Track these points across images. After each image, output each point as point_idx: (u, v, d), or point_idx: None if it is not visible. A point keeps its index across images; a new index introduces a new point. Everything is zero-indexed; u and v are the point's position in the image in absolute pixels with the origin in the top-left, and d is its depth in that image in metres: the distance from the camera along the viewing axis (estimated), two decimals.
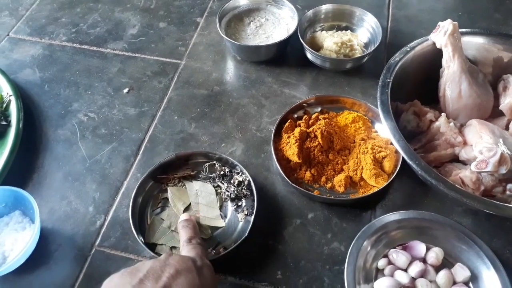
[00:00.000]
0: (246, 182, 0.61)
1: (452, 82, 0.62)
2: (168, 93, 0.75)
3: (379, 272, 0.54)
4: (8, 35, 0.85)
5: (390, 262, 0.54)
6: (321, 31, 0.79)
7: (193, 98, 0.74)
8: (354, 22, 0.80)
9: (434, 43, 0.64)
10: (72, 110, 0.72)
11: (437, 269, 0.53)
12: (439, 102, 0.65)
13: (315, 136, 0.64)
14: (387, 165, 0.61)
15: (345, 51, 0.73)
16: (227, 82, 0.76)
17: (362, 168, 0.62)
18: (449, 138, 0.58)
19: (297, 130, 0.64)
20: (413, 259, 0.54)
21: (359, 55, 0.73)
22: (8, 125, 0.68)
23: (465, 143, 0.58)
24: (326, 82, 0.75)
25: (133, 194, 0.58)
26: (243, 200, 0.60)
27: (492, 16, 0.87)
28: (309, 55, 0.74)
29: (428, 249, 0.55)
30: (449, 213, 0.59)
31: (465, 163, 0.58)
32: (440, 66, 0.64)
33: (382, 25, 0.82)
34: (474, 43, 0.66)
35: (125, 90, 0.75)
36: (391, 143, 0.63)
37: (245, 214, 0.59)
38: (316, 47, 0.76)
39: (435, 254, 0.54)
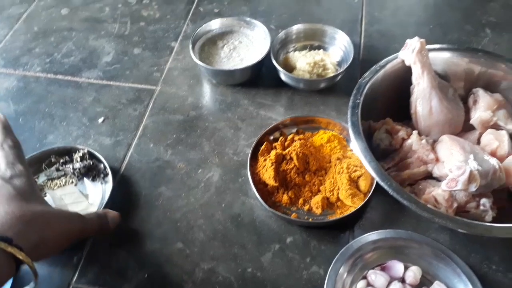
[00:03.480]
0: (86, 154, 0.67)
1: (423, 99, 0.62)
2: (143, 120, 0.74)
3: None
4: None
5: (369, 284, 0.54)
6: (294, 51, 0.79)
7: (169, 124, 0.74)
8: (326, 41, 0.80)
9: (403, 61, 0.65)
10: (47, 143, 0.72)
11: None
12: (412, 119, 0.65)
13: (291, 158, 0.64)
14: (363, 184, 0.62)
15: (318, 71, 0.73)
16: (203, 106, 0.76)
17: (339, 189, 0.62)
18: (422, 156, 0.58)
19: (273, 152, 0.65)
20: (392, 279, 0.54)
21: (332, 74, 0.73)
22: None
23: (437, 160, 0.58)
24: (301, 102, 0.76)
25: None
26: (94, 169, 0.66)
27: (463, 28, 0.88)
28: (283, 77, 0.75)
29: (406, 268, 0.55)
30: (426, 229, 0.59)
31: (438, 179, 0.58)
32: (411, 83, 0.65)
33: (355, 42, 0.83)
34: (443, 58, 0.67)
35: (100, 120, 0.75)
36: None
37: (102, 177, 0.65)
38: (290, 67, 0.76)
39: (413, 273, 0.54)
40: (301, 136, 0.68)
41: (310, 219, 0.61)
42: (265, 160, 0.65)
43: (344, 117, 0.71)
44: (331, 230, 0.60)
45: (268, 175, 0.62)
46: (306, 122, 0.71)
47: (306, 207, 0.62)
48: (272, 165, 0.63)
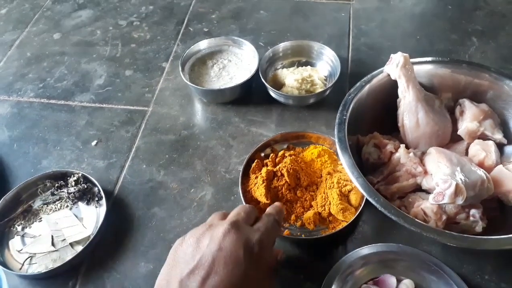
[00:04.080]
0: (80, 178, 0.68)
1: (409, 112, 0.63)
2: (136, 141, 0.75)
3: None
4: None
5: None
6: (282, 68, 0.81)
7: (161, 145, 0.74)
8: (313, 57, 0.82)
9: (389, 75, 0.66)
10: (41, 168, 0.72)
11: None
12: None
13: (282, 175, 0.65)
14: (353, 198, 0.62)
15: (306, 87, 0.74)
16: (195, 125, 0.77)
17: (330, 203, 0.62)
18: (410, 169, 0.59)
19: (264, 170, 0.65)
20: None
21: (320, 90, 0.74)
22: None
23: (426, 172, 0.58)
24: (292, 118, 0.76)
25: None
26: (89, 193, 0.67)
27: (449, 37, 0.89)
28: (272, 94, 0.76)
29: (399, 281, 0.55)
30: (418, 242, 0.60)
31: (428, 192, 0.59)
32: (397, 96, 0.66)
33: (343, 56, 0.84)
34: (428, 70, 0.68)
35: (94, 143, 0.75)
36: None
37: (96, 201, 0.66)
38: (279, 84, 0.78)
39: (405, 287, 0.54)
40: (292, 152, 0.68)
41: (303, 235, 0.61)
42: (256, 177, 0.65)
43: (333, 131, 0.72)
44: (325, 245, 0.61)
45: (259, 192, 0.63)
46: (297, 137, 0.71)
47: (299, 223, 0.62)
48: (263, 183, 0.63)
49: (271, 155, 0.68)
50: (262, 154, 0.70)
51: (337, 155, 0.69)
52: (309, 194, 0.64)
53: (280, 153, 0.68)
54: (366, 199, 0.60)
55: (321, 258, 0.60)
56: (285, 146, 0.71)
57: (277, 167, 0.65)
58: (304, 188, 0.65)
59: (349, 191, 0.63)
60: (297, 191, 0.65)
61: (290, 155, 0.67)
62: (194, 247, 0.45)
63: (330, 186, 0.63)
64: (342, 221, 0.61)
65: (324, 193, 0.63)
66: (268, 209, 0.53)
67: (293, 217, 0.63)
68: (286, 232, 0.61)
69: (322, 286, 0.54)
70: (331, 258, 0.59)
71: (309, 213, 0.62)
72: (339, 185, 0.63)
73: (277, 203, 0.56)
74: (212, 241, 0.45)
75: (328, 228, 0.61)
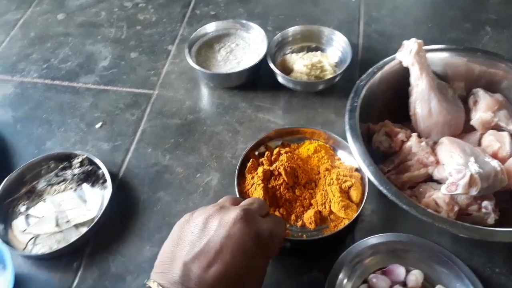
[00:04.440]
0: (85, 159, 0.67)
1: (422, 100, 0.62)
2: (141, 125, 0.74)
3: None
4: None
5: None
6: (291, 53, 0.79)
7: (167, 129, 0.73)
8: (323, 42, 0.80)
9: (401, 62, 0.65)
10: (45, 149, 0.71)
11: None
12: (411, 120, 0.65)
13: (279, 174, 0.61)
14: (354, 194, 0.59)
15: (316, 73, 0.73)
16: (201, 109, 0.76)
17: (330, 201, 0.59)
18: (422, 158, 0.58)
19: (260, 169, 0.62)
20: (393, 283, 0.53)
21: (330, 76, 0.73)
22: None
23: (437, 162, 0.57)
24: (300, 104, 0.75)
25: None
26: (93, 175, 0.66)
27: (462, 26, 0.87)
28: (280, 79, 0.74)
29: (407, 272, 0.54)
30: (428, 232, 0.59)
31: (439, 182, 0.58)
32: (409, 84, 0.64)
33: (353, 42, 0.82)
34: (442, 58, 0.67)
35: (98, 125, 0.74)
36: (356, 170, 0.62)
37: (101, 183, 0.65)
38: (288, 70, 0.76)
39: (414, 277, 0.53)
40: (287, 149, 0.65)
41: (304, 236, 0.58)
42: (252, 177, 0.62)
43: (342, 119, 0.71)
44: (327, 244, 0.58)
45: (257, 194, 0.60)
46: (291, 133, 0.68)
47: (299, 223, 0.60)
48: (260, 184, 0.60)
49: (266, 153, 0.65)
50: (256, 153, 0.66)
51: (334, 149, 0.66)
52: (308, 192, 0.62)
53: (276, 151, 0.65)
54: (367, 194, 0.58)
55: (327, 249, 0.59)
56: (279, 143, 0.68)
57: (274, 165, 0.62)
58: (303, 186, 0.62)
59: (349, 187, 0.60)
60: (296, 190, 0.62)
61: (286, 152, 0.64)
62: (201, 228, 0.44)
63: (330, 183, 0.61)
64: (344, 218, 0.58)
65: (323, 190, 0.61)
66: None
67: (293, 217, 0.60)
68: (286, 233, 0.58)
69: (329, 274, 0.53)
70: (338, 249, 0.58)
71: (310, 212, 0.59)
72: (339, 181, 0.60)
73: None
74: (221, 226, 0.44)
75: (330, 227, 0.59)
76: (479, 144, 0.61)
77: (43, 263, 0.60)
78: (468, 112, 0.65)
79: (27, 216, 0.64)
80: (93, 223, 0.61)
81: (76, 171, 0.66)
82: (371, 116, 0.63)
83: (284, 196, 0.61)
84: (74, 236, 0.61)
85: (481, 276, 0.53)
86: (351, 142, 0.56)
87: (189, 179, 0.67)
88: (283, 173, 0.61)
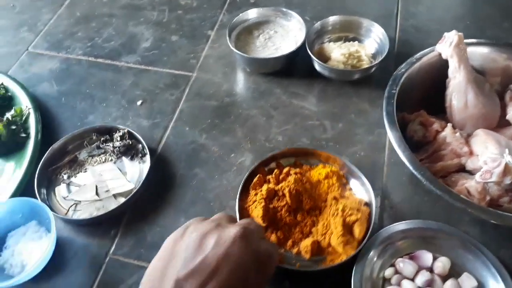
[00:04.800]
0: (126, 133, 0.70)
1: (458, 92, 0.63)
2: (180, 105, 0.77)
3: (386, 281, 0.54)
4: (27, 49, 0.89)
5: (397, 272, 0.55)
6: (329, 42, 0.80)
7: (204, 110, 0.76)
8: (361, 33, 0.81)
9: (440, 54, 0.65)
10: (88, 122, 0.75)
11: (444, 278, 0.54)
12: (446, 112, 0.65)
13: (283, 195, 0.59)
14: (357, 230, 0.56)
15: (353, 62, 0.74)
16: (237, 93, 0.78)
17: (332, 233, 0.57)
18: (455, 148, 0.59)
19: (264, 187, 0.60)
20: (420, 268, 0.54)
21: (366, 66, 0.74)
22: (27, 137, 0.70)
23: (471, 153, 0.58)
24: (334, 93, 0.76)
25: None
26: (133, 149, 0.69)
27: (500, 25, 0.87)
28: (317, 66, 0.76)
29: (434, 258, 0.55)
30: (456, 222, 0.59)
31: (471, 173, 0.58)
32: (446, 76, 0.65)
33: (390, 36, 0.83)
34: (480, 53, 0.67)
35: (139, 103, 0.77)
36: (366, 204, 0.60)
37: (140, 157, 0.68)
38: (324, 58, 0.77)
39: (441, 264, 0.54)
40: (298, 169, 0.63)
41: (298, 264, 0.56)
42: (256, 194, 0.60)
43: (377, 109, 0.73)
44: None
45: (256, 213, 0.58)
46: (305, 154, 0.66)
47: (295, 250, 0.57)
48: (262, 202, 0.58)
49: (275, 171, 0.63)
50: (266, 169, 0.65)
51: (347, 178, 0.63)
52: (310, 219, 0.59)
53: (285, 170, 0.63)
54: (371, 230, 0.56)
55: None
56: (292, 161, 0.66)
57: (280, 185, 0.60)
58: (306, 212, 0.60)
59: (354, 222, 0.57)
60: (298, 214, 0.59)
61: (295, 173, 0.62)
62: (197, 244, 0.41)
63: (334, 214, 0.58)
64: (342, 254, 0.55)
65: (326, 220, 0.58)
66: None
67: (290, 242, 0.58)
68: (280, 258, 0.56)
69: (358, 256, 0.54)
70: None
71: (307, 241, 0.57)
72: (344, 214, 0.57)
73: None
74: (219, 244, 0.41)
75: (326, 259, 0.56)
76: None
77: (82, 228, 0.63)
78: (504, 108, 0.65)
79: (69, 184, 0.67)
80: (131, 194, 0.64)
81: (117, 144, 0.70)
82: (407, 105, 0.64)
83: (284, 219, 0.59)
84: (113, 205, 0.64)
85: (508, 268, 0.54)
86: (388, 129, 0.57)
87: (224, 158, 0.69)
88: (287, 195, 0.59)
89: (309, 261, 0.56)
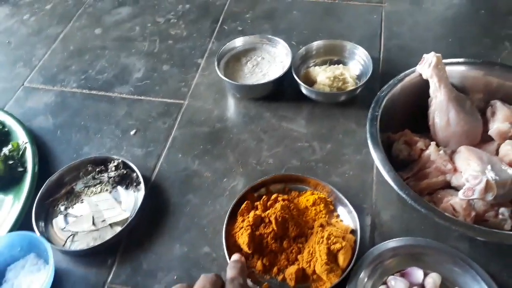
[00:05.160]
0: (120, 163, 0.71)
1: (440, 111, 0.65)
2: (172, 132, 0.79)
3: None
4: (23, 84, 0.91)
5: None
6: (314, 66, 0.83)
7: (196, 136, 0.78)
8: (345, 56, 0.84)
9: (421, 74, 0.68)
10: (83, 154, 0.77)
11: None
12: (430, 131, 0.67)
13: (270, 221, 0.60)
14: (342, 258, 0.57)
15: (338, 85, 0.77)
16: (228, 118, 0.80)
17: (316, 260, 0.57)
18: (440, 166, 0.60)
19: (251, 214, 0.61)
20: (411, 285, 0.55)
21: (351, 88, 0.76)
22: (25, 171, 0.72)
23: (455, 170, 0.60)
24: (322, 115, 0.79)
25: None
26: (128, 178, 0.71)
27: (481, 41, 0.90)
28: (304, 90, 0.78)
29: (425, 275, 0.56)
30: (445, 238, 0.61)
31: (457, 189, 0.60)
32: (429, 95, 0.67)
33: (375, 56, 0.86)
34: (460, 71, 0.69)
35: (132, 132, 0.79)
36: (351, 232, 0.61)
37: (134, 186, 0.69)
38: (311, 81, 0.80)
39: (432, 280, 0.55)
40: (285, 196, 0.65)
41: None
42: (243, 220, 0.62)
43: (364, 128, 0.74)
44: None
45: (242, 240, 0.59)
46: (295, 180, 0.68)
47: (280, 277, 0.58)
48: (248, 229, 0.59)
49: (264, 197, 0.64)
50: (256, 194, 0.66)
51: (334, 205, 0.65)
52: (297, 246, 0.60)
53: (273, 197, 0.64)
54: (355, 259, 0.57)
55: None
56: (281, 187, 0.67)
57: (266, 212, 0.61)
58: (292, 239, 0.60)
59: (339, 250, 0.57)
60: (284, 241, 0.60)
61: (283, 200, 0.63)
62: None
63: (320, 241, 0.58)
64: (326, 282, 0.56)
65: (312, 248, 0.59)
66: (230, 272, 0.46)
67: (275, 269, 0.59)
68: (265, 285, 0.57)
69: (350, 276, 0.55)
70: None
71: (292, 268, 0.58)
72: (329, 242, 0.57)
73: (235, 258, 0.49)
74: None
75: (311, 287, 0.57)
76: (497, 153, 0.63)
77: (80, 259, 0.64)
78: (486, 123, 0.67)
79: (66, 215, 0.69)
80: (127, 222, 0.65)
81: (112, 174, 0.71)
82: (391, 125, 0.66)
83: (270, 246, 0.59)
84: (109, 234, 0.65)
85: (497, 282, 0.55)
86: (372, 150, 0.59)
87: (216, 183, 0.71)
88: (273, 222, 0.60)
89: None
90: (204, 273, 0.45)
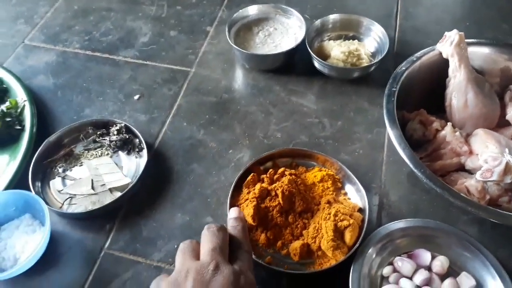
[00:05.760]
0: (123, 128, 0.69)
1: (458, 92, 0.63)
2: (177, 100, 0.76)
3: (384, 279, 0.54)
4: (23, 42, 0.87)
5: (395, 270, 0.54)
6: (329, 40, 0.80)
7: (202, 105, 0.75)
8: (361, 32, 0.81)
9: (440, 53, 0.65)
10: (84, 116, 0.74)
11: (442, 277, 0.54)
12: (446, 112, 0.65)
13: (276, 195, 0.58)
14: (348, 236, 0.55)
15: (352, 60, 0.74)
16: (236, 90, 0.78)
17: (322, 236, 0.56)
18: (455, 147, 0.59)
19: (257, 186, 0.59)
20: (418, 267, 0.54)
21: (366, 64, 0.74)
22: (22, 129, 0.69)
23: (471, 152, 0.58)
24: (334, 91, 0.76)
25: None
26: (130, 143, 0.69)
27: (499, 27, 0.87)
28: (316, 64, 0.75)
29: (433, 257, 0.55)
30: (455, 222, 0.59)
31: (471, 172, 0.58)
32: (447, 75, 0.65)
33: (390, 35, 0.83)
34: (481, 53, 0.67)
35: (136, 97, 0.77)
36: (359, 210, 0.59)
37: (137, 152, 0.67)
38: (324, 56, 0.77)
39: (440, 263, 0.54)
40: (293, 171, 0.63)
41: (286, 266, 0.55)
42: (248, 192, 0.60)
43: (376, 108, 0.72)
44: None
45: (247, 211, 0.57)
46: (303, 155, 0.65)
47: (284, 251, 0.57)
48: (253, 201, 0.58)
49: (270, 170, 0.62)
50: (262, 168, 0.64)
51: (342, 183, 0.63)
52: (302, 222, 0.58)
53: (280, 170, 0.62)
54: (363, 237, 0.55)
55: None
56: (289, 162, 0.65)
57: (273, 185, 0.60)
58: (298, 214, 0.59)
59: (346, 227, 0.55)
60: (289, 216, 0.58)
61: (290, 174, 0.61)
62: None
63: (326, 218, 0.56)
64: (331, 259, 0.55)
65: (318, 224, 0.57)
66: (236, 238, 0.47)
67: (279, 243, 0.57)
68: (268, 258, 0.56)
69: (356, 253, 0.54)
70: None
71: (297, 243, 0.56)
72: (336, 219, 0.56)
73: (234, 214, 0.50)
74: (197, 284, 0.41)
75: (315, 263, 0.55)
76: None
77: (78, 222, 0.62)
78: (503, 108, 0.65)
79: (64, 178, 0.66)
80: (128, 188, 0.63)
81: (114, 138, 0.69)
82: (407, 104, 0.64)
83: (275, 220, 0.58)
84: (108, 199, 0.63)
85: (506, 267, 0.54)
86: (388, 126, 0.57)
87: (222, 154, 0.68)
88: (280, 195, 0.58)
89: (298, 264, 0.56)
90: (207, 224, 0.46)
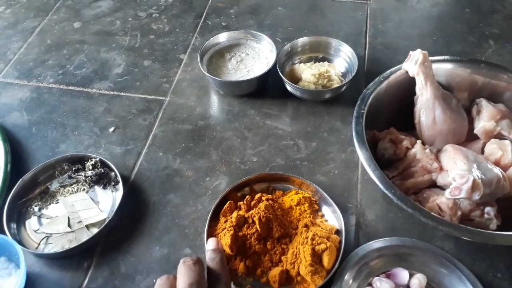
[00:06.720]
0: (98, 162, 0.69)
1: (426, 109, 0.64)
2: (153, 130, 0.76)
3: None
4: None
5: None
6: (299, 63, 0.81)
7: (178, 134, 0.75)
8: (331, 53, 0.82)
9: (407, 72, 0.67)
10: (59, 152, 0.74)
11: None
12: (416, 129, 0.66)
13: (253, 222, 0.59)
14: (326, 260, 0.55)
15: (323, 82, 0.75)
16: (211, 116, 0.78)
17: (301, 261, 0.56)
18: (426, 165, 0.59)
19: (234, 214, 0.59)
20: (397, 286, 0.54)
21: (336, 85, 0.75)
22: None
23: (441, 168, 0.59)
24: (307, 112, 0.77)
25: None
26: (105, 178, 0.68)
27: (466, 39, 0.90)
28: (288, 88, 0.76)
29: (411, 275, 0.55)
30: (431, 238, 0.60)
31: (443, 188, 0.59)
32: (415, 93, 0.66)
33: (360, 54, 0.85)
34: (446, 69, 0.68)
35: (111, 129, 0.77)
36: (336, 232, 0.59)
37: (112, 185, 0.67)
38: (296, 79, 0.78)
39: (418, 281, 0.54)
40: (269, 196, 0.63)
41: None
42: (226, 221, 0.60)
43: (349, 126, 0.73)
44: None
45: (225, 241, 0.57)
46: (279, 179, 0.66)
47: (263, 279, 0.56)
48: (231, 230, 0.57)
49: (247, 197, 0.62)
50: (239, 194, 0.65)
51: (319, 205, 0.63)
52: (280, 247, 0.58)
53: (257, 196, 0.62)
54: (340, 260, 0.55)
55: None
56: (265, 186, 0.66)
57: (250, 212, 0.60)
58: (276, 240, 0.59)
59: (323, 251, 0.55)
60: (268, 242, 0.58)
61: (267, 199, 0.61)
62: None
63: (304, 242, 0.56)
64: (310, 284, 0.55)
65: (296, 249, 0.57)
66: (215, 270, 0.46)
67: (258, 271, 0.57)
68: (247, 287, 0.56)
69: (335, 277, 0.54)
70: None
71: (276, 271, 0.56)
72: (314, 242, 0.56)
73: (211, 245, 0.48)
74: None
75: None
76: (482, 152, 0.63)
77: (55, 262, 0.61)
78: (471, 122, 0.66)
79: (40, 216, 0.66)
80: (104, 224, 0.62)
81: (89, 173, 0.68)
82: (377, 124, 0.65)
83: (254, 247, 0.58)
84: (85, 236, 0.62)
85: (483, 281, 0.55)
86: (357, 148, 0.58)
87: (199, 182, 0.69)
88: (257, 222, 0.58)
89: None
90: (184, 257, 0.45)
